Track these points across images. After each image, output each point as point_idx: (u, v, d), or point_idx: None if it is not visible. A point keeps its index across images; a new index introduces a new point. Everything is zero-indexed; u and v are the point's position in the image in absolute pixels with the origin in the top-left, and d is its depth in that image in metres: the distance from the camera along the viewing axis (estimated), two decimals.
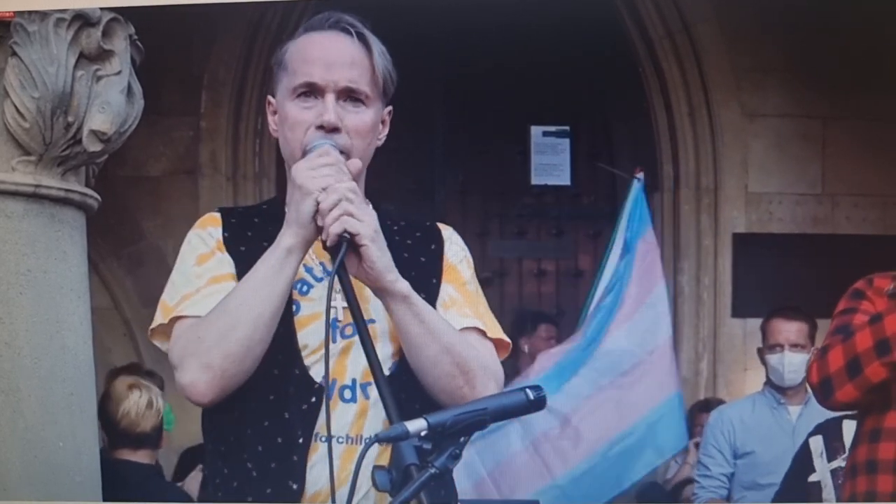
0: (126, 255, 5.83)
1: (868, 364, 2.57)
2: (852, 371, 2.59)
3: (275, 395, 2.03)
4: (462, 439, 1.77)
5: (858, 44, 5.64)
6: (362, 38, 2.11)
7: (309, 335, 2.06)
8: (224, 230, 2.15)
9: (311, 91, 2.08)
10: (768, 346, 4.66)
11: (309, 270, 2.11)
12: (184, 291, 2.10)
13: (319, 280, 2.10)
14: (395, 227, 2.19)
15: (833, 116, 6.24)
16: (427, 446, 1.76)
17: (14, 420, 3.21)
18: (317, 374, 2.05)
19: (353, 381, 2.05)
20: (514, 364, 6.33)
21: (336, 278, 1.96)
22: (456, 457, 1.77)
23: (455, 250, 2.24)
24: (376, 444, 1.88)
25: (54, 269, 3.30)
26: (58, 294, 3.31)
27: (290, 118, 2.09)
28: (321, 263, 2.12)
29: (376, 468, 1.77)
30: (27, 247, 3.27)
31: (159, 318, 2.11)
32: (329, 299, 1.96)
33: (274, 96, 2.17)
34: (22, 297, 3.25)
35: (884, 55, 5.52)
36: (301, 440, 2.02)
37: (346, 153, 2.07)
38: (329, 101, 2.07)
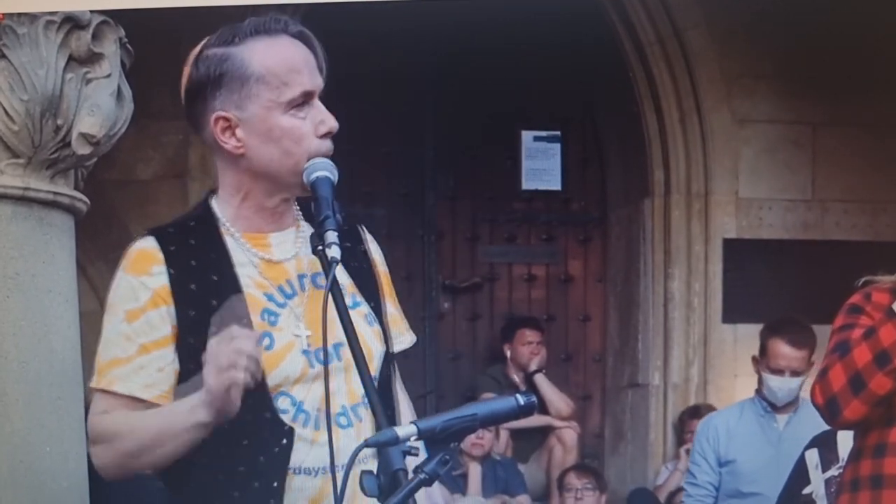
0: (114, 258, 5.72)
1: (871, 378, 2.55)
2: (856, 387, 2.56)
3: (248, 441, 2.00)
4: (452, 445, 1.77)
5: (848, 50, 5.66)
6: (310, 38, 2.09)
7: (288, 367, 2.02)
8: (168, 266, 2.06)
9: (304, 100, 2.05)
10: (769, 366, 4.52)
11: (270, 298, 2.06)
12: (113, 353, 2.04)
13: (282, 305, 2.06)
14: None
15: (823, 122, 6.25)
16: (415, 452, 1.76)
17: (0, 424, 3.20)
18: (311, 406, 2.01)
19: (343, 406, 2.04)
20: (501, 369, 6.33)
21: (331, 283, 1.92)
22: (445, 462, 1.76)
23: (377, 249, 2.22)
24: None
25: (42, 272, 3.29)
26: (46, 298, 3.30)
27: (293, 131, 2.03)
28: (279, 288, 2.07)
29: (364, 473, 1.77)
30: (15, 250, 3.25)
31: (93, 378, 2.07)
32: (325, 322, 1.90)
33: (224, 111, 2.03)
34: (9, 300, 3.24)
35: (873, 62, 5.54)
36: (275, 483, 1.99)
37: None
38: (321, 107, 2.05)
